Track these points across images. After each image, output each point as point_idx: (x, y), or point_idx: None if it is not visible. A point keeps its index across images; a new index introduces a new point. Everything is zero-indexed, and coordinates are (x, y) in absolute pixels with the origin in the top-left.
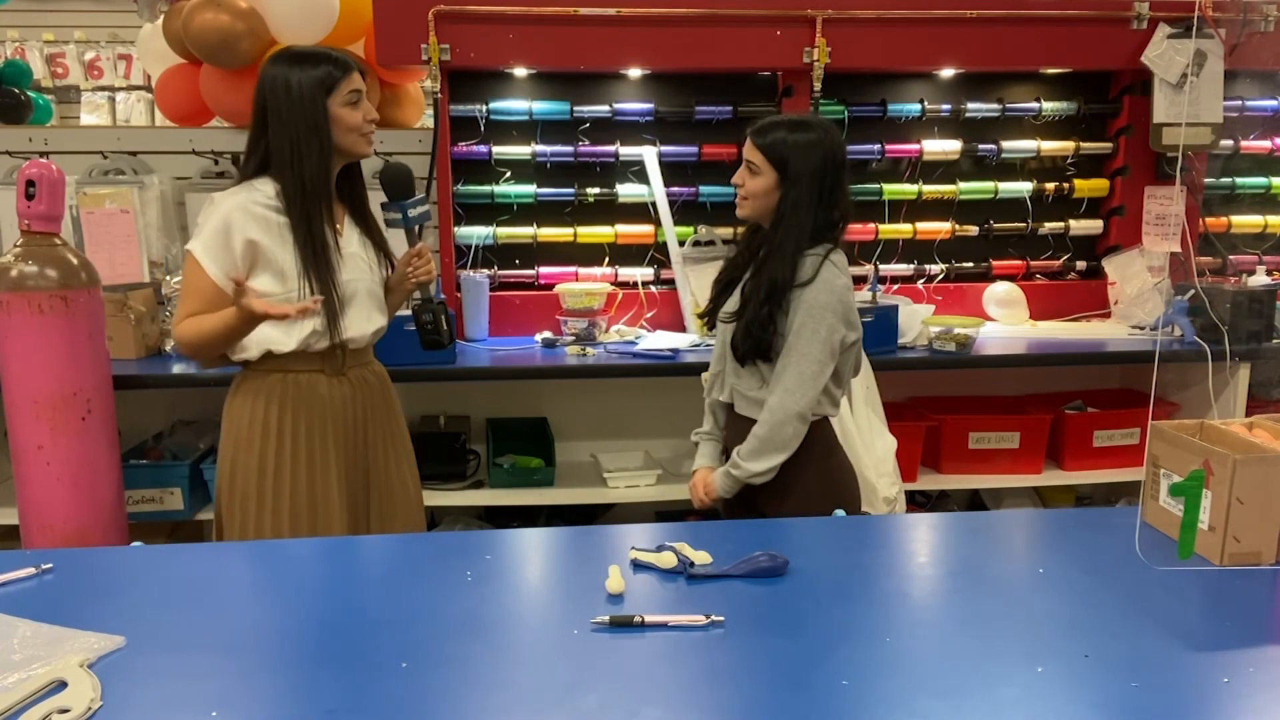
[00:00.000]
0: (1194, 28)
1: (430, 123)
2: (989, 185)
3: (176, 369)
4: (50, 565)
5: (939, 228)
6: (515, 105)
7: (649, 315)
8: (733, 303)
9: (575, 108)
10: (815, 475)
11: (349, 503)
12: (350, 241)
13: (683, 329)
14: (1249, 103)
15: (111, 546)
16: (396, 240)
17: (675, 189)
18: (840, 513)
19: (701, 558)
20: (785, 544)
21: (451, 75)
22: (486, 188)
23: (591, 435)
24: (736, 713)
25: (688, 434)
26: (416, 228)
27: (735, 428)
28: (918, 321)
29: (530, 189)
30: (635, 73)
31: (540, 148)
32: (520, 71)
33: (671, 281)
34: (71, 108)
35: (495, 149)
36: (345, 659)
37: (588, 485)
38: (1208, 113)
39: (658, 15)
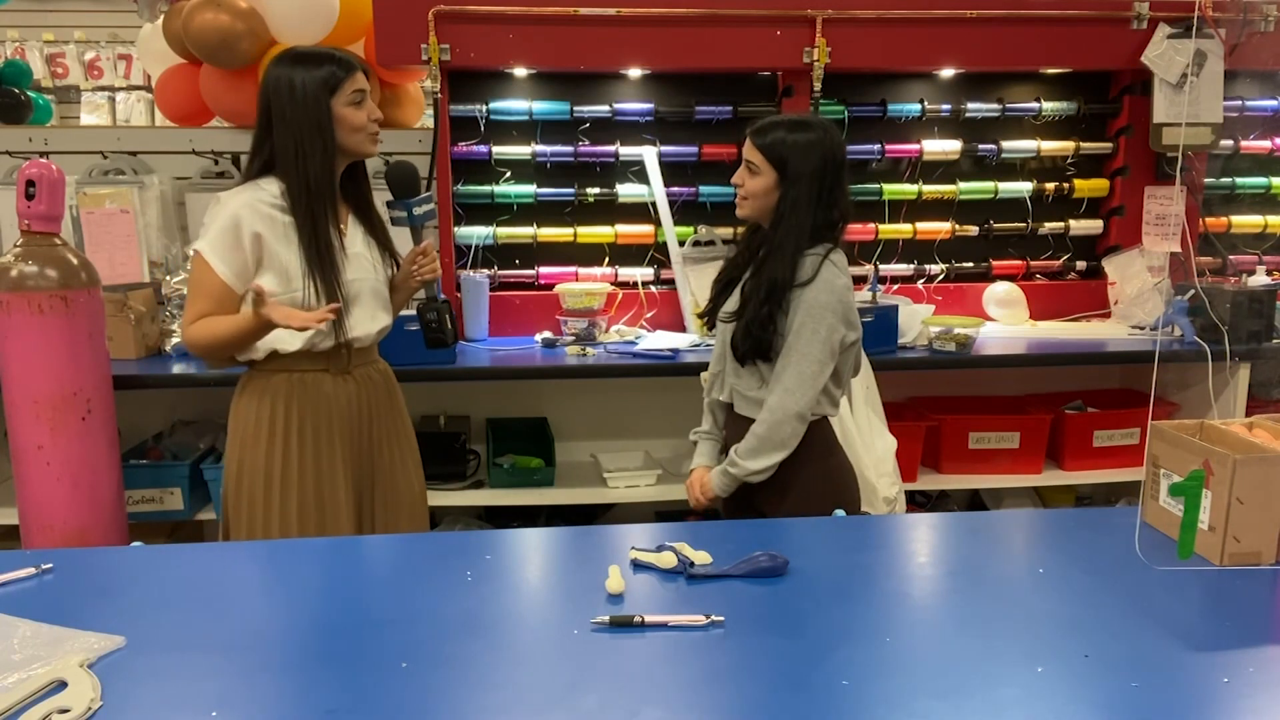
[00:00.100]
0: (1194, 28)
1: (430, 123)
2: (989, 185)
3: (176, 369)
4: (50, 565)
5: (939, 228)
6: (515, 105)
7: (649, 315)
8: (732, 302)
9: (575, 108)
10: (815, 475)
11: (355, 501)
12: (354, 241)
13: (683, 329)
14: (1249, 103)
15: (111, 546)
16: (403, 239)
17: (675, 189)
18: (840, 513)
19: (701, 558)
20: (785, 544)
21: (451, 75)
22: (486, 188)
23: (591, 435)
24: (736, 713)
25: (687, 434)
26: (421, 226)
27: (735, 427)
28: (918, 321)
29: (530, 189)
30: (635, 73)
31: (540, 148)
32: (520, 71)
33: (671, 281)
34: (71, 108)
35: (495, 149)
36: (345, 659)
37: (588, 485)
38: (1208, 113)
39: (658, 15)
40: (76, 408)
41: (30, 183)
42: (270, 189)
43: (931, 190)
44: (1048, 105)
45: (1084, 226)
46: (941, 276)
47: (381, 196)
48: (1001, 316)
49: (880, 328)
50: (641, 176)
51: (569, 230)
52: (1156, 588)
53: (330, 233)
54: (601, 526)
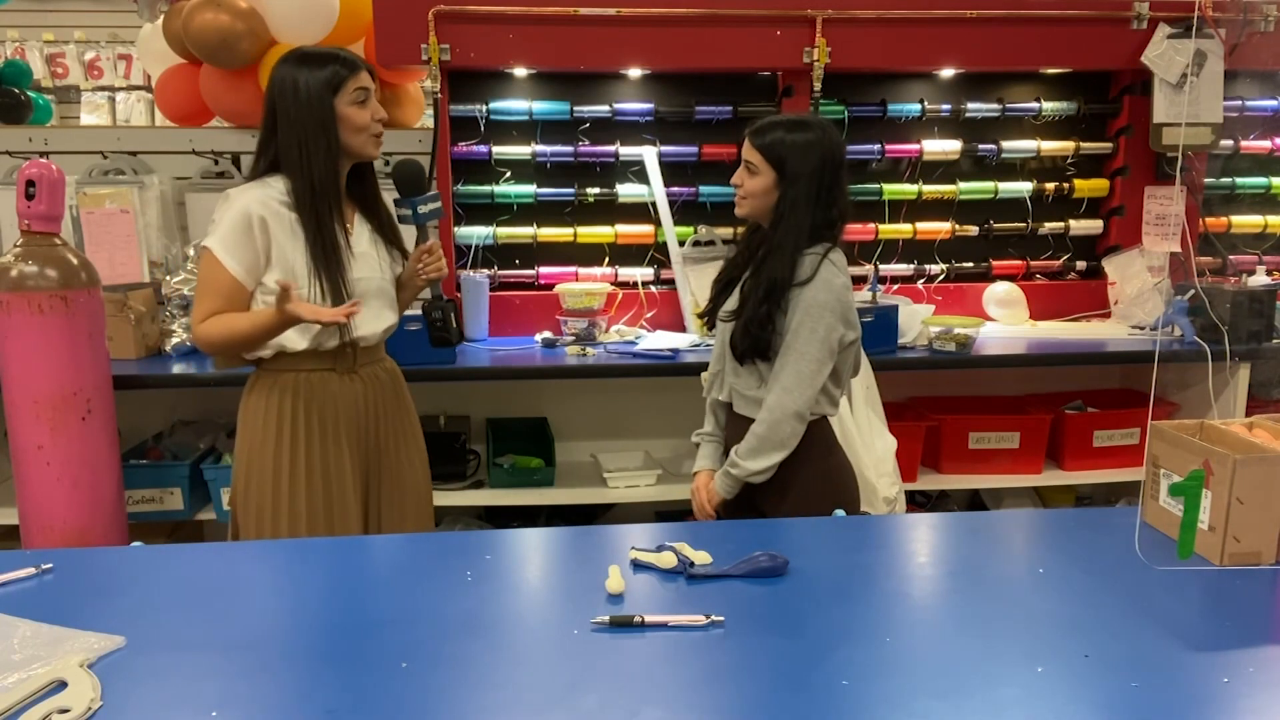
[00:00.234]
0: (1194, 28)
1: (430, 123)
2: (989, 185)
3: (176, 369)
4: (50, 565)
5: (939, 228)
6: (515, 105)
7: (649, 315)
8: (732, 302)
9: (575, 108)
10: (814, 474)
11: (362, 499)
12: (361, 240)
13: (683, 329)
14: (1249, 103)
15: (111, 546)
16: (411, 236)
17: (675, 189)
18: (840, 512)
19: (701, 558)
20: (785, 544)
21: (451, 75)
22: (486, 188)
23: (591, 435)
24: (736, 713)
25: (688, 434)
26: (428, 225)
27: (735, 427)
28: (918, 321)
29: (530, 189)
30: (635, 73)
31: (540, 148)
32: (520, 71)
33: (671, 281)
34: (71, 108)
35: (495, 149)
36: (345, 659)
37: (588, 485)
38: (1208, 113)
39: (658, 15)
40: (76, 408)
41: (30, 183)
42: (278, 186)
43: (931, 190)
44: (1048, 105)
45: (1084, 226)
46: (941, 276)
47: (389, 195)
48: (1001, 316)
49: (880, 328)
50: (641, 176)
51: (569, 230)
52: (1156, 588)
53: (335, 231)
54: (601, 526)
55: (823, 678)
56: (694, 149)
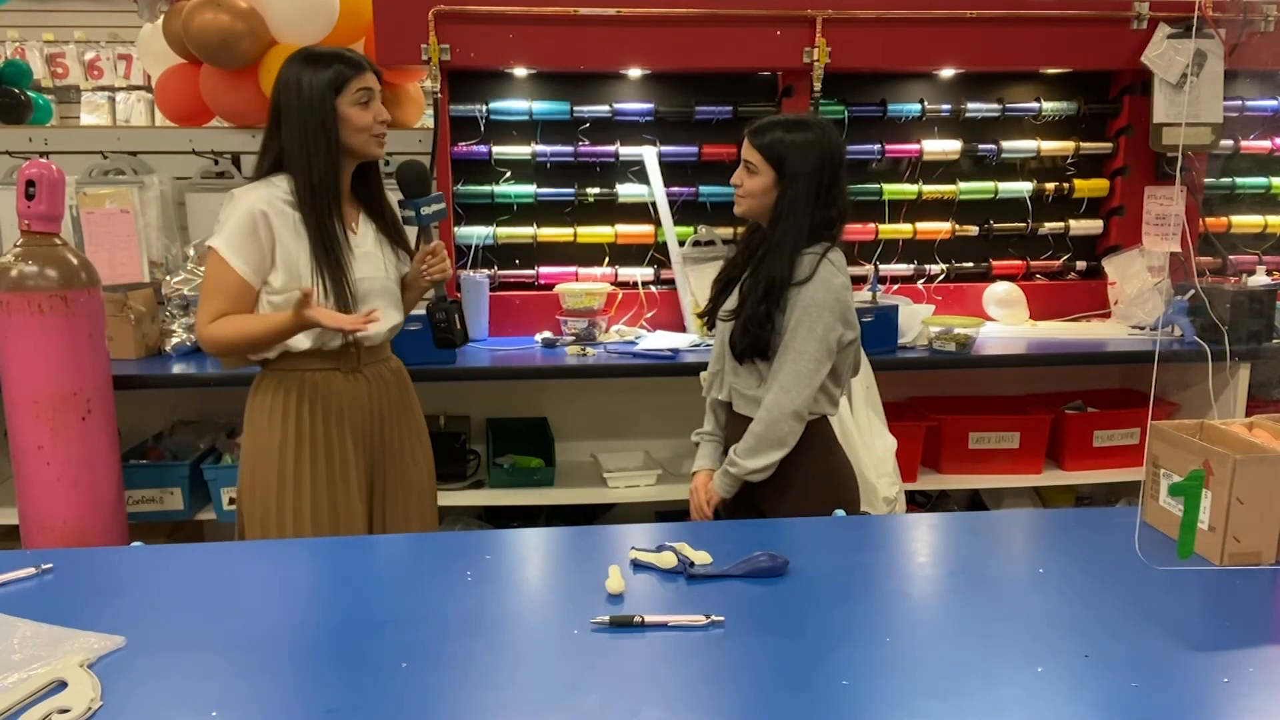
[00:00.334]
0: (1194, 28)
1: (430, 123)
2: (989, 185)
3: (176, 369)
4: (50, 565)
5: (939, 228)
6: (515, 105)
7: (649, 315)
8: (731, 301)
9: (575, 108)
10: (814, 474)
11: (366, 498)
12: (365, 239)
13: (683, 329)
14: (1249, 103)
15: (111, 546)
16: (414, 237)
17: (675, 189)
18: (840, 512)
19: (701, 558)
20: (785, 544)
21: (451, 75)
22: (486, 188)
23: (591, 435)
24: (736, 713)
25: (688, 434)
26: (431, 226)
27: (734, 426)
28: (918, 321)
29: (530, 189)
30: (635, 73)
31: (540, 148)
32: (520, 71)
33: (671, 281)
34: (71, 108)
35: (495, 149)
36: (345, 659)
37: (588, 485)
38: (1208, 113)
39: (658, 15)
40: (76, 408)
41: (30, 183)
42: (282, 186)
43: (931, 190)
44: (1048, 105)
45: (1084, 226)
46: (941, 276)
47: (394, 196)
48: (1001, 316)
49: (880, 328)
50: (641, 176)
51: (569, 230)
52: (1156, 588)
53: (337, 231)
54: (601, 526)
55: (823, 678)
56: (694, 149)
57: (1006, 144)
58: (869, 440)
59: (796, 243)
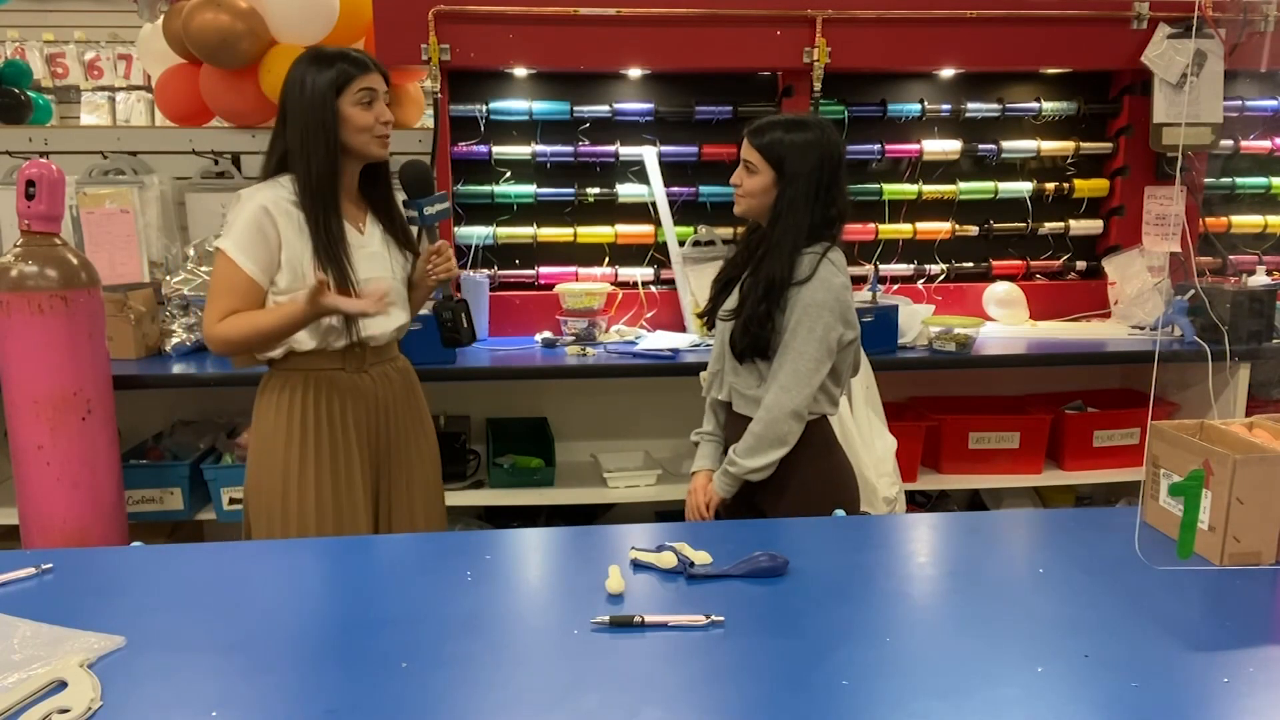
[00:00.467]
0: (1194, 28)
1: (430, 123)
2: (989, 185)
3: (176, 369)
4: (50, 565)
5: (939, 228)
6: (515, 105)
7: (649, 315)
8: (731, 301)
9: (575, 108)
10: (814, 473)
11: (372, 498)
12: (372, 240)
13: (683, 329)
14: (1249, 103)
15: (111, 546)
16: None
17: (675, 189)
18: (840, 512)
19: (701, 558)
20: (785, 544)
21: (451, 75)
22: (486, 188)
23: (591, 435)
24: (736, 713)
25: (688, 434)
26: (433, 226)
27: (734, 426)
28: (918, 321)
29: (530, 189)
30: (635, 73)
31: (540, 148)
32: (520, 71)
33: (671, 281)
34: (71, 108)
35: (495, 149)
36: (346, 659)
37: (588, 485)
38: (1208, 113)
39: (658, 15)
40: (76, 408)
41: (30, 183)
42: (288, 186)
43: (931, 190)
44: (1048, 105)
45: (1084, 226)
46: (941, 276)
47: (396, 196)
48: (1001, 316)
49: (880, 328)
50: (641, 176)
51: (569, 230)
52: (1156, 588)
53: (339, 231)
54: (601, 526)
55: (823, 678)
56: (694, 149)
57: (1006, 144)
58: (869, 440)
59: (796, 242)
